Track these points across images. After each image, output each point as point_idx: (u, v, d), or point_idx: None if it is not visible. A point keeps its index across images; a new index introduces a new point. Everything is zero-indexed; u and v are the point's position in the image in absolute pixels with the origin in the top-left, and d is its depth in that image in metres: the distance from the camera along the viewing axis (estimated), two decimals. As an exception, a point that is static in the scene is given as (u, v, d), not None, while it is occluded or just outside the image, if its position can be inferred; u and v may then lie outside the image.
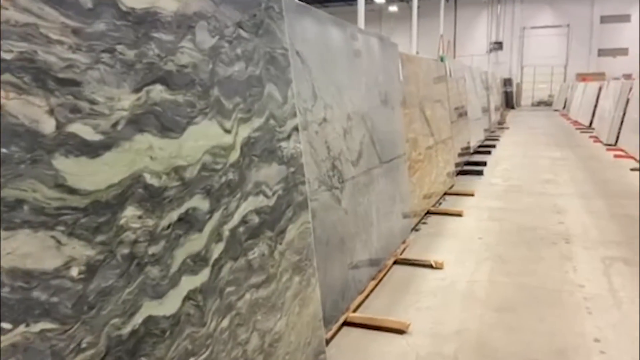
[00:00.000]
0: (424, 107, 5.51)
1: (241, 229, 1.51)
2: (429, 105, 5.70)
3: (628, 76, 23.69)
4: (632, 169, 7.83)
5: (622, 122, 10.46)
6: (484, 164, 8.40)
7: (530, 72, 31.53)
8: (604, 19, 28.70)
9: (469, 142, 8.52)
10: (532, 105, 31.01)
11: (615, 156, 9.25)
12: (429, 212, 5.36)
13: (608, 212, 5.39)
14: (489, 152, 9.87)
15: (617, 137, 10.53)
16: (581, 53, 29.58)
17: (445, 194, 6.24)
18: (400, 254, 4.10)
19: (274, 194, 1.71)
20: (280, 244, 1.73)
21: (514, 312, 3.09)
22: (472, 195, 6.29)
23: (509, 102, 27.23)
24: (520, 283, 3.53)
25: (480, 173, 7.73)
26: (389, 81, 4.32)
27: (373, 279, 3.52)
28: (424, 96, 5.53)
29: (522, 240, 4.47)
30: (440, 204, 5.86)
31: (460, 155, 7.60)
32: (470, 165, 8.27)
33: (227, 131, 1.48)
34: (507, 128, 15.46)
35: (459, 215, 5.34)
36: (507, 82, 27.13)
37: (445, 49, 23.48)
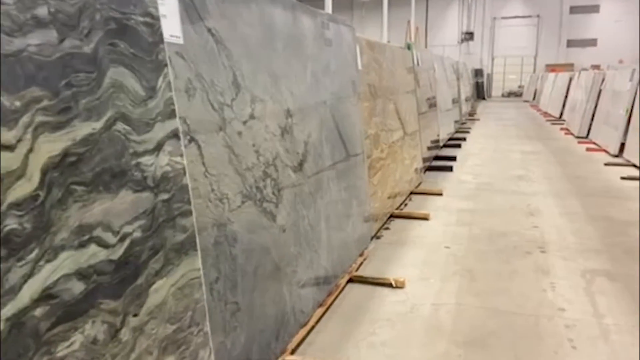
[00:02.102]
0: (388, 98, 4.95)
1: (38, 312, 0.90)
2: (393, 97, 5.14)
3: (596, 67, 23.82)
4: (606, 164, 7.51)
5: (593, 115, 10.19)
6: (453, 158, 7.94)
7: (500, 63, 31.55)
8: (573, 10, 28.78)
9: (438, 135, 8.04)
10: (503, 96, 31.03)
11: (588, 149, 8.95)
12: (392, 216, 4.83)
13: (584, 213, 4.97)
14: (459, 146, 9.44)
15: (589, 129, 10.27)
16: (551, 44, 29.66)
17: (411, 193, 5.73)
18: (357, 270, 3.54)
19: (123, 238, 1.10)
20: (136, 314, 1.13)
21: (484, 347, 2.58)
22: (440, 194, 5.80)
23: (480, 93, 27.08)
24: (492, 306, 3.02)
25: (449, 169, 7.27)
26: (344, 69, 3.72)
27: (321, 305, 2.96)
28: (387, 87, 4.97)
29: (494, 250, 3.99)
30: (405, 205, 5.35)
31: (429, 149, 7.11)
32: (440, 160, 7.80)
33: (6, 147, 0.87)
34: (478, 119, 15.15)
35: (425, 218, 4.84)
36: (478, 72, 26.97)
37: (414, 37, 22.89)
